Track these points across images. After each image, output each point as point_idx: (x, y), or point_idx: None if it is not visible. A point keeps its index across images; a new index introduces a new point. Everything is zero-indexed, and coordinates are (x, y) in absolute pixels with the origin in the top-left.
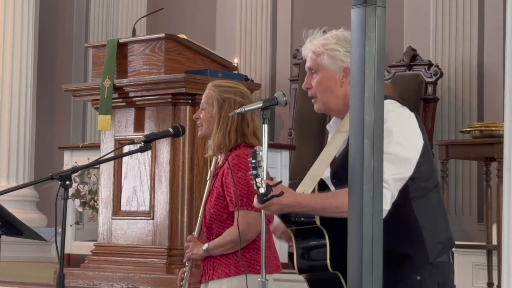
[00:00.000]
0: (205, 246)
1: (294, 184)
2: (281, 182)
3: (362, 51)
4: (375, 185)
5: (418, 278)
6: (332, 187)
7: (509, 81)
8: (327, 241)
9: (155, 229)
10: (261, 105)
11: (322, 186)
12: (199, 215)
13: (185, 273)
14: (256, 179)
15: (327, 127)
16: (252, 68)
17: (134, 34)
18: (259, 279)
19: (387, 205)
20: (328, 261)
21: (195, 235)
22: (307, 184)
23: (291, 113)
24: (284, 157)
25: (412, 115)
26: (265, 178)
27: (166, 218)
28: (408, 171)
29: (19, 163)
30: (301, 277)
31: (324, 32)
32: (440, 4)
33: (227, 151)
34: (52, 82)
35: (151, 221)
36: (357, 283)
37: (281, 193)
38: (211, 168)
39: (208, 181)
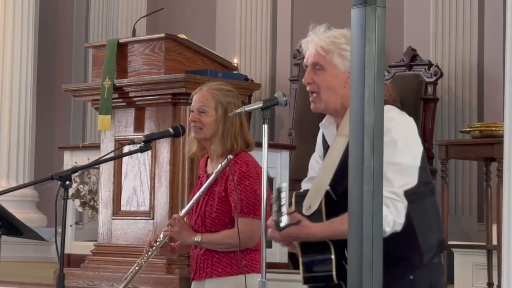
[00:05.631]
0: (198, 237)
1: (302, 196)
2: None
3: (362, 51)
4: (375, 185)
5: (411, 277)
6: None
7: (509, 81)
8: (333, 252)
9: (155, 229)
10: (261, 105)
11: (329, 197)
12: (190, 203)
13: (157, 243)
14: (277, 217)
15: (320, 125)
16: (252, 68)
17: (134, 34)
18: (259, 279)
19: (401, 218)
20: (334, 272)
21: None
22: (313, 198)
23: (291, 113)
24: (284, 157)
25: (412, 121)
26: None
27: (166, 218)
28: (414, 179)
29: (19, 163)
30: (301, 277)
31: (330, 28)
32: (440, 4)
33: (229, 154)
34: (52, 82)
35: (151, 221)
36: (357, 283)
37: (298, 222)
38: (210, 171)
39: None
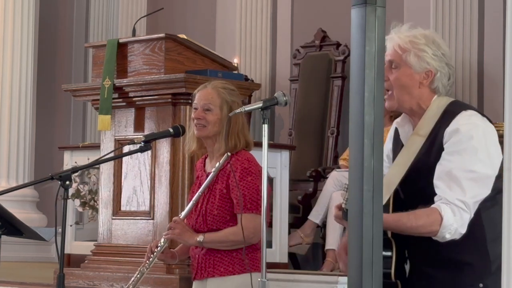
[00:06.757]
0: (200, 237)
1: None
2: None
3: (362, 51)
4: (375, 185)
5: (481, 285)
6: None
7: (509, 81)
8: (394, 251)
9: (155, 229)
10: (261, 105)
11: (398, 195)
12: (190, 205)
13: (158, 248)
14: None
15: (395, 123)
16: (252, 68)
17: (134, 34)
18: (259, 279)
19: (464, 229)
20: (392, 271)
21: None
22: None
23: (291, 113)
24: (284, 157)
25: (493, 128)
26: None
27: (166, 218)
28: (488, 190)
29: (19, 163)
30: (301, 277)
31: (414, 27)
32: (440, 4)
33: (230, 154)
34: (52, 82)
35: (151, 221)
36: (357, 283)
37: None
38: (210, 169)
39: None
